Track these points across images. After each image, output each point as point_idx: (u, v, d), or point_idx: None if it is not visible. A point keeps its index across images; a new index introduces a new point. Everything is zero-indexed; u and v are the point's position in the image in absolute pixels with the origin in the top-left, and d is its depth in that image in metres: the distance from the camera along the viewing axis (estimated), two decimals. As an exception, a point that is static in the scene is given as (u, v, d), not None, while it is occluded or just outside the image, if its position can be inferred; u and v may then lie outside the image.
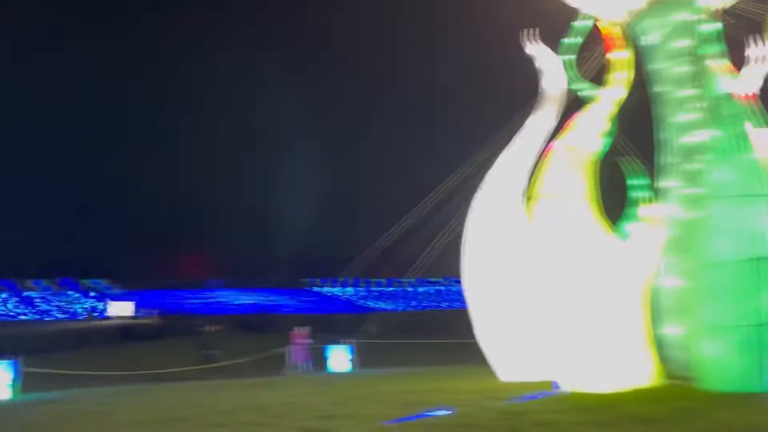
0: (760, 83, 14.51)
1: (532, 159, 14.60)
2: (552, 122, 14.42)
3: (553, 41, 16.08)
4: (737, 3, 15.51)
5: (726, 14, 15.87)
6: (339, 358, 19.42)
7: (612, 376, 10.73)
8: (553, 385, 11.23)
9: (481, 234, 14.67)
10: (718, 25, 11.76)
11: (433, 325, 32.64)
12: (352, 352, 19.64)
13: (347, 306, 62.78)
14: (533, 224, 11.87)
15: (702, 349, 10.14)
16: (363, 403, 10.67)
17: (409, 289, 71.81)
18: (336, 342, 19.56)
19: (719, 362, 9.81)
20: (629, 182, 14.84)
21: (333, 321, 32.52)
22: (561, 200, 11.45)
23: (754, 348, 9.42)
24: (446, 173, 17.67)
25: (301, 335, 19.98)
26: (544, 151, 13.59)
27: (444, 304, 63.56)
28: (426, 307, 63.48)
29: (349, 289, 72.09)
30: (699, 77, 14.09)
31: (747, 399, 8.48)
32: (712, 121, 11.19)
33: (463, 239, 14.85)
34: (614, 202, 14.99)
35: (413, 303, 67.56)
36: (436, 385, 13.43)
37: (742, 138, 10.31)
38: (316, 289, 72.48)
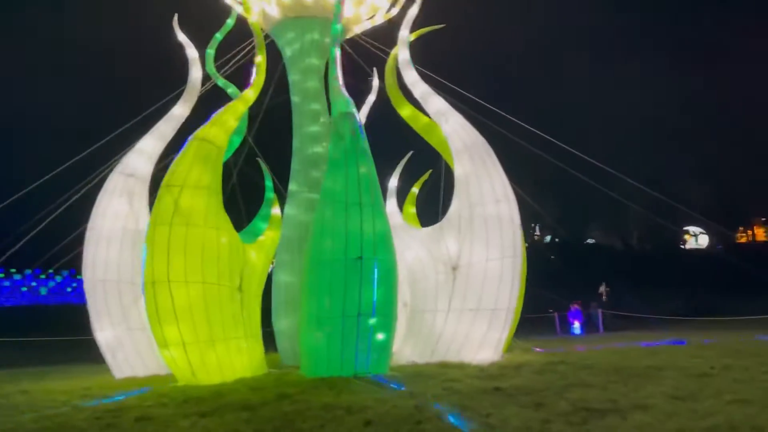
0: (365, 113, 16.98)
1: (162, 147, 14.25)
2: (186, 112, 14.29)
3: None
4: (366, 34, 17.83)
5: (357, 42, 18.11)
6: None
7: (220, 368, 11.02)
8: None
9: (103, 220, 13.64)
10: (339, 51, 13.24)
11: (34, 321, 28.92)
12: None
13: None
14: (152, 214, 11.47)
15: (306, 339, 11.13)
16: None
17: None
18: None
19: (315, 350, 10.93)
20: (266, 183, 15.66)
21: None
22: (187, 190, 11.30)
23: (349, 337, 10.72)
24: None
25: None
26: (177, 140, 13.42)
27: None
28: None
29: None
30: (325, 94, 15.72)
31: (342, 382, 9.55)
32: (330, 135, 12.48)
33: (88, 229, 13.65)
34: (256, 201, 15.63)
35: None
36: (29, 387, 11.86)
37: (353, 153, 11.71)
38: None
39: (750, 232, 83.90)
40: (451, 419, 6.16)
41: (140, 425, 6.86)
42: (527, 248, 14.79)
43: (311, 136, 16.07)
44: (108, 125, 16.70)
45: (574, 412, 6.24)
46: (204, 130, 12.27)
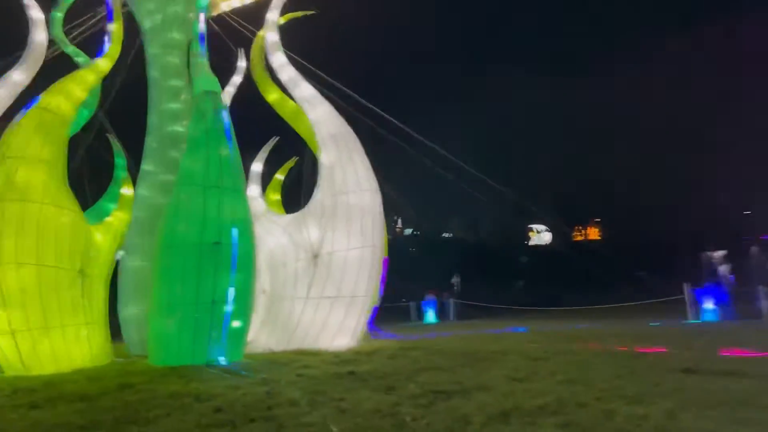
0: (230, 94, 16.43)
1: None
2: (27, 79, 12.92)
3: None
4: (235, 13, 17.22)
5: (222, 21, 17.43)
6: None
7: (55, 358, 10.18)
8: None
9: None
10: (204, 26, 12.67)
11: None
12: None
13: None
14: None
15: (153, 326, 10.56)
16: None
17: None
18: None
19: (165, 338, 10.40)
20: (116, 161, 14.61)
21: None
22: (23, 163, 10.27)
23: (201, 324, 10.28)
24: None
25: None
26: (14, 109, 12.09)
27: None
28: None
29: None
30: (187, 71, 14.97)
31: (190, 371, 9.17)
32: (191, 113, 11.90)
33: None
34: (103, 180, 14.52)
35: None
36: None
37: (215, 134, 11.25)
38: None
39: (585, 231, 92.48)
40: (303, 404, 6.16)
41: (-44, 421, 6.13)
42: (389, 240, 15.17)
43: (170, 113, 15.22)
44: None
45: (422, 394, 6.49)
46: (46, 99, 11.22)
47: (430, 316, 29.00)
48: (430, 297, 29.48)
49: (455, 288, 34.23)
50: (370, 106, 17.45)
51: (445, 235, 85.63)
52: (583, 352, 10.65)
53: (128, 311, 14.14)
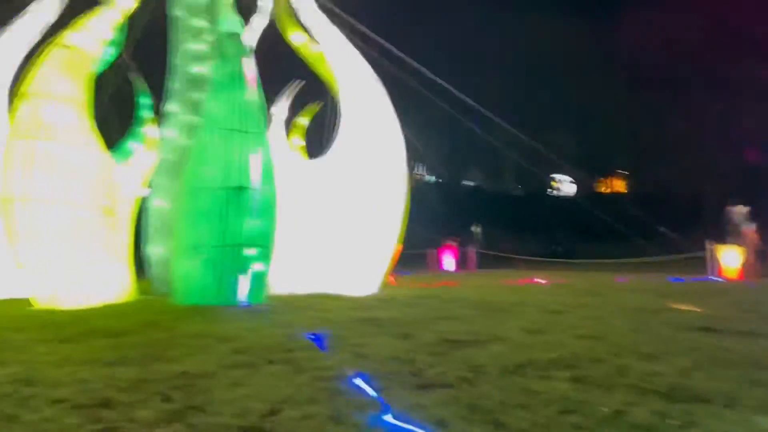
0: (256, 36, 16.20)
1: (24, 51, 12.83)
2: (52, 16, 12.85)
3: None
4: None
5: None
6: None
7: (84, 293, 10.50)
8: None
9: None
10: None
11: None
12: None
13: None
14: (11, 127, 10.42)
15: (177, 267, 10.80)
16: None
17: None
18: None
19: (189, 278, 10.65)
20: (138, 101, 14.62)
21: None
22: (50, 102, 10.34)
23: (225, 266, 10.51)
24: None
25: None
26: (38, 45, 12.10)
27: None
28: None
29: None
30: (211, 11, 14.75)
31: (212, 311, 9.41)
32: (215, 55, 11.80)
33: None
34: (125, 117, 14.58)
35: None
36: None
37: (239, 77, 11.18)
38: None
39: (610, 183, 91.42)
40: (322, 347, 6.31)
41: (-9, 352, 6.40)
42: (410, 187, 15.17)
43: (193, 54, 15.08)
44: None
45: (438, 343, 6.60)
46: (71, 36, 11.16)
47: (449, 264, 29.19)
48: (450, 245, 29.61)
49: (476, 237, 34.35)
50: (394, 50, 17.10)
51: (467, 182, 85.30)
52: (601, 307, 10.69)
53: (152, 250, 14.45)
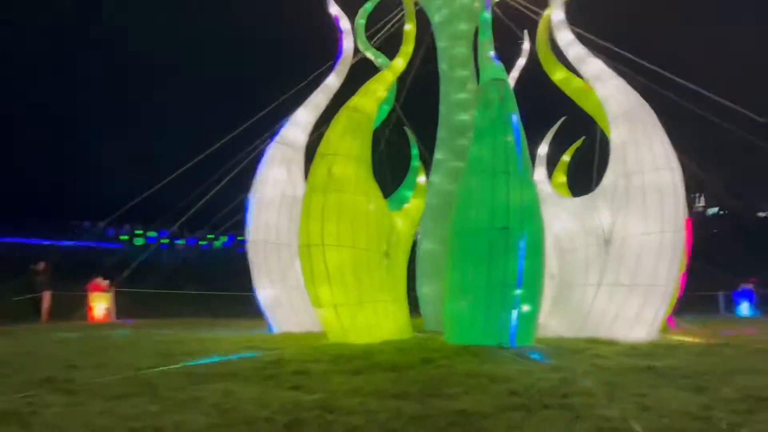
0: (514, 78, 16.47)
1: (316, 117, 14.89)
2: (338, 83, 14.77)
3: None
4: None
5: (505, 6, 17.58)
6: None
7: (368, 329, 11.49)
8: None
9: (264, 187, 14.64)
10: (490, 15, 12.93)
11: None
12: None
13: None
14: (308, 181, 12.05)
15: (450, 307, 11.25)
16: (119, 352, 10.14)
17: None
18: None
19: (459, 318, 11.02)
20: (411, 151, 15.91)
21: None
22: (340, 159, 11.75)
23: (493, 307, 10.65)
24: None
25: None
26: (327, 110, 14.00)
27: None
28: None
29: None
30: (473, 60, 15.48)
31: (483, 351, 9.58)
32: (478, 102, 12.28)
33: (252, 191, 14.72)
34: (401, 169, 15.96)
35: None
36: (203, 336, 13.25)
37: (501, 121, 11.45)
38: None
39: None
40: (600, 396, 5.96)
41: (298, 378, 7.36)
42: (690, 221, 13.68)
43: (458, 103, 15.98)
44: (267, 98, 17.75)
45: (740, 399, 5.76)
46: (355, 100, 12.64)
47: (744, 308, 25.39)
48: (745, 286, 25.80)
49: (778, 277, 29.35)
50: (666, 73, 15.79)
51: (762, 214, 73.80)
52: None
53: (424, 290, 15.35)
